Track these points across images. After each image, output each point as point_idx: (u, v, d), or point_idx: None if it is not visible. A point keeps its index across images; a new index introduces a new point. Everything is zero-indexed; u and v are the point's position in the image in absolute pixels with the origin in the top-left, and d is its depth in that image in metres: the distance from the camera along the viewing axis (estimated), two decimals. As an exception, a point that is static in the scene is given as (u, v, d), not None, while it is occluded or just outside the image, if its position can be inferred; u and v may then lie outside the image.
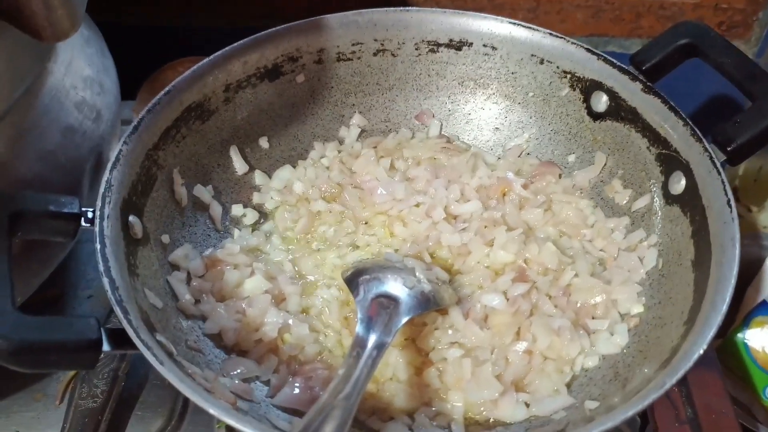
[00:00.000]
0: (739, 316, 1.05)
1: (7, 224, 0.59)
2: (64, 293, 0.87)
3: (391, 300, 0.68)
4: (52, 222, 0.63)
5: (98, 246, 0.61)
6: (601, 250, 0.79)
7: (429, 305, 0.69)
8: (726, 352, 1.03)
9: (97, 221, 0.63)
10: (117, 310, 0.57)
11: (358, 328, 0.63)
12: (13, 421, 0.75)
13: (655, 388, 0.53)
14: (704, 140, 0.72)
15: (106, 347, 0.56)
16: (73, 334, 0.55)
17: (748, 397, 0.98)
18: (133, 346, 0.55)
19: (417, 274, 0.72)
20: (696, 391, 0.77)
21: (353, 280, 0.71)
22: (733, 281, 0.60)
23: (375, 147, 0.89)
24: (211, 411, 0.52)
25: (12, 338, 0.52)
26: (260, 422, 0.59)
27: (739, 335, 1.02)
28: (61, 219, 0.64)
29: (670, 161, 0.75)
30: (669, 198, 0.76)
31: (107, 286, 0.58)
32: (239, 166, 0.84)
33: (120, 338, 0.57)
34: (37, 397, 0.77)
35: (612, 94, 0.81)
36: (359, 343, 0.61)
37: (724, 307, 0.58)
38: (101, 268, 0.59)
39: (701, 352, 0.55)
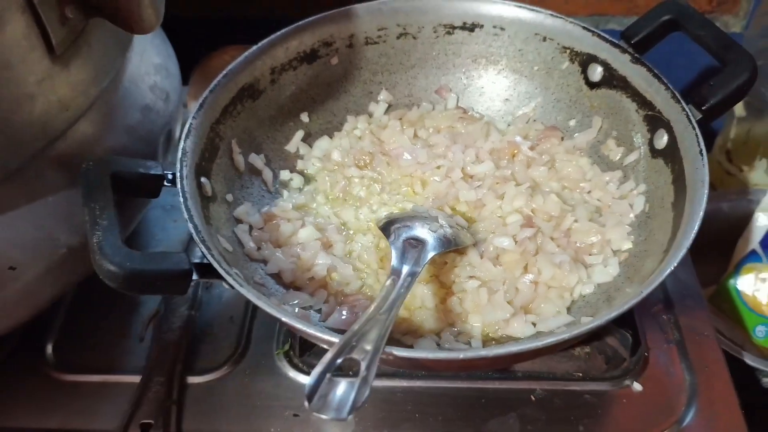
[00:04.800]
0: (731, 264, 1.16)
1: (109, 182, 0.73)
2: (138, 251, 1.01)
3: (419, 241, 0.80)
4: (142, 182, 0.77)
5: (182, 200, 0.74)
6: (597, 200, 0.91)
7: (451, 245, 0.82)
8: (720, 297, 1.14)
9: (178, 181, 0.76)
10: (202, 247, 0.70)
11: (394, 262, 0.76)
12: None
13: (634, 297, 0.66)
14: (682, 101, 0.83)
15: (195, 276, 0.70)
16: (170, 264, 0.68)
17: (741, 337, 1.09)
18: (217, 275, 0.69)
19: (440, 220, 0.84)
20: (682, 318, 0.90)
21: (386, 228, 0.84)
22: (701, 213, 0.72)
23: (400, 119, 1.02)
24: (283, 318, 0.66)
25: (125, 267, 0.65)
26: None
27: (731, 281, 1.13)
28: (149, 179, 0.77)
29: (655, 121, 0.87)
30: (654, 152, 0.87)
31: (192, 230, 0.72)
32: (293, 145, 0.97)
33: (204, 270, 0.70)
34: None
35: (606, 65, 0.92)
36: (395, 272, 0.74)
37: (692, 233, 0.70)
38: (186, 215, 0.73)
39: (672, 268, 0.67)
